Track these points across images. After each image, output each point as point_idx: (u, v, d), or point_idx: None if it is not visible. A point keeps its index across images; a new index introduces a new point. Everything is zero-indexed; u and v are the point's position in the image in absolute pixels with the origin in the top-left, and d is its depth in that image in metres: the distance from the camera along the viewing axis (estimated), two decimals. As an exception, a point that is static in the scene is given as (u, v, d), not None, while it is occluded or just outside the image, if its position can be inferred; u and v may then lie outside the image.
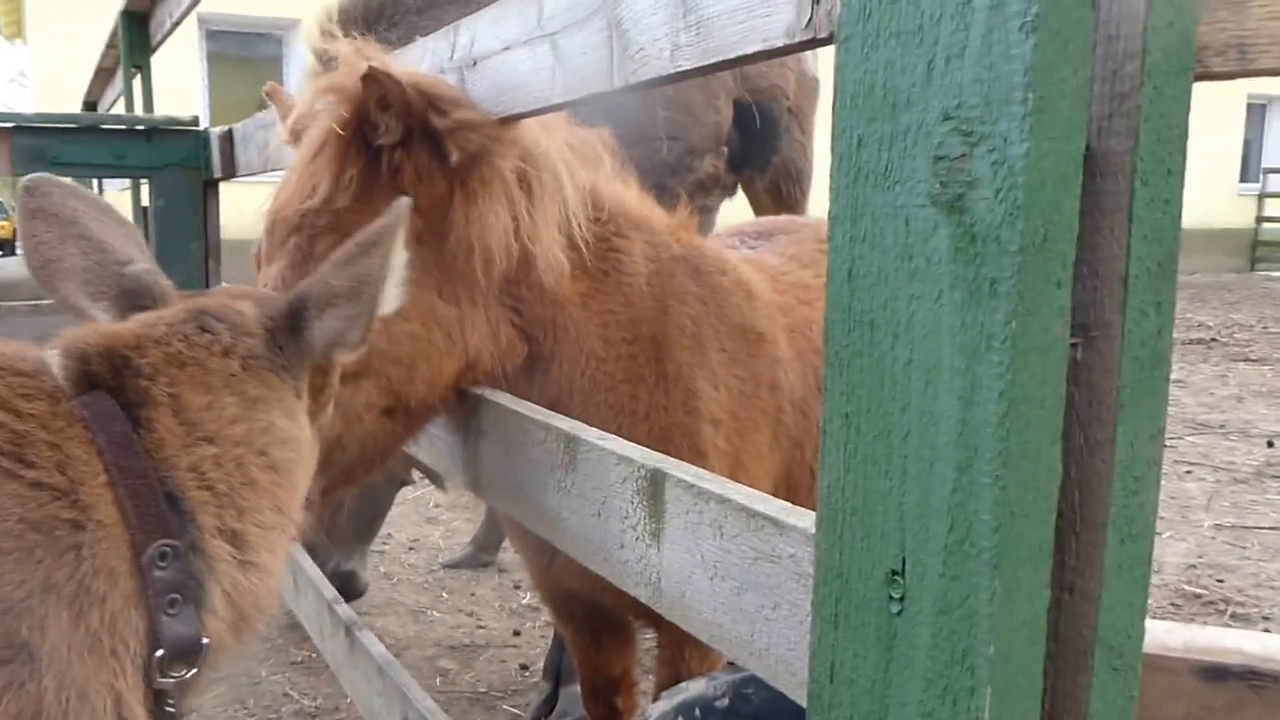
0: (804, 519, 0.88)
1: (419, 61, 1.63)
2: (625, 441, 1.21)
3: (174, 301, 1.09)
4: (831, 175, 0.60)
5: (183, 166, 3.08)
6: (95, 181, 6.98)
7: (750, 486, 1.77)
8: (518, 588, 3.90)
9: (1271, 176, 20.38)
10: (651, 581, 1.11)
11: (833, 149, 0.59)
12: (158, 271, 1.12)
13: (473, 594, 3.86)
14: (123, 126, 3.04)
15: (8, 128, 2.88)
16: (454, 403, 1.59)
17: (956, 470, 0.54)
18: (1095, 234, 0.53)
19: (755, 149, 3.95)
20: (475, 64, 1.46)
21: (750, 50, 0.92)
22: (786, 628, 0.89)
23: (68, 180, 1.16)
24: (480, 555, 4.19)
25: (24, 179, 1.15)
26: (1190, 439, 5.97)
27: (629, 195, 1.81)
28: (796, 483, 1.93)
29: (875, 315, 0.57)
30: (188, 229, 3.12)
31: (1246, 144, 19.98)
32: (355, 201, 1.42)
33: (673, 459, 1.12)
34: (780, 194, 4.13)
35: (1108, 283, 0.54)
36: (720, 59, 0.96)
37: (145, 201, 4.28)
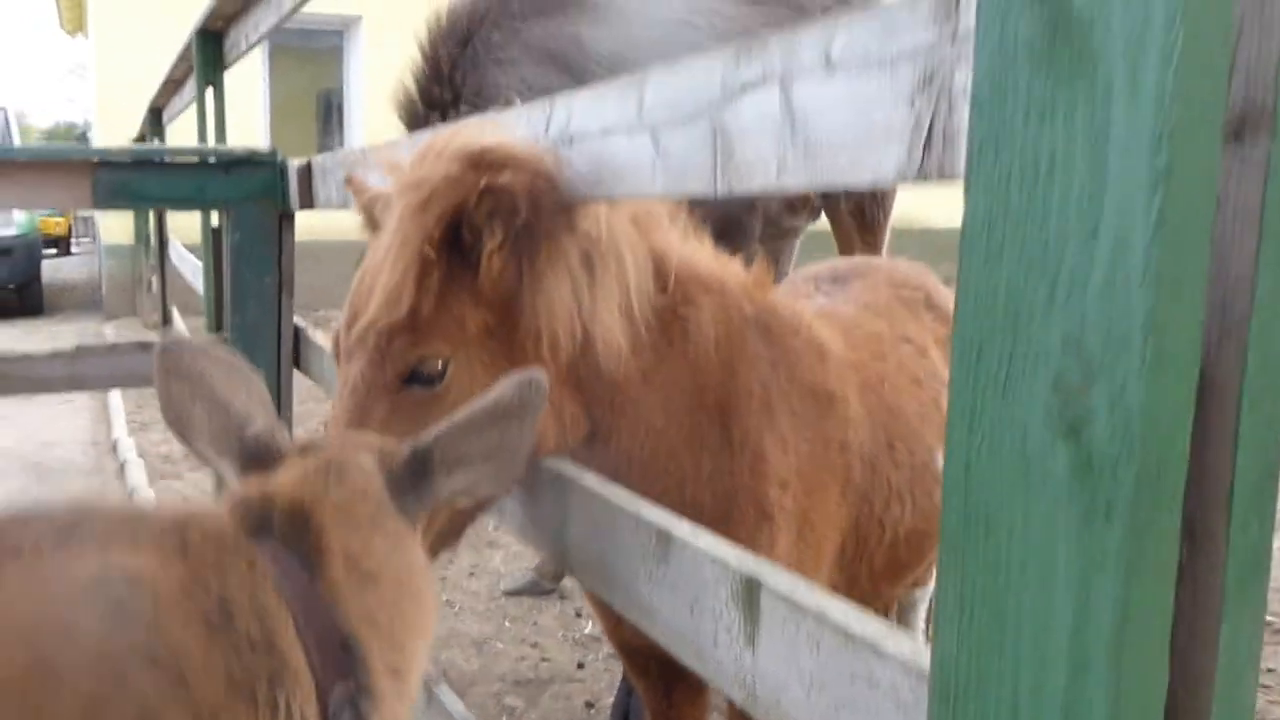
0: (904, 646, 0.94)
1: (514, 128, 1.70)
2: (718, 541, 1.27)
3: (293, 454, 1.20)
4: (951, 374, 0.66)
5: (259, 199, 3.20)
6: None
7: (817, 544, 1.85)
8: (579, 615, 3.99)
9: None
10: (746, 685, 1.18)
11: (953, 348, 0.65)
12: (276, 426, 1.24)
13: (535, 623, 3.96)
14: (202, 160, 3.16)
15: (91, 162, 3.01)
16: (531, 478, 1.68)
17: (1070, 669, 0.60)
18: (1204, 453, 0.59)
19: None
20: (572, 142, 1.53)
21: (861, 181, 0.98)
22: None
23: (199, 341, 1.31)
24: (542, 583, 4.29)
25: (160, 342, 1.29)
26: None
27: (701, 256, 1.87)
28: (865, 534, 2.00)
29: (991, 513, 0.63)
30: (262, 262, 3.23)
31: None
32: (436, 306, 1.51)
33: (767, 564, 1.18)
34: (864, 215, 4.23)
35: (1214, 498, 0.59)
36: (829, 181, 1.03)
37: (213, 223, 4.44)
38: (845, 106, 0.97)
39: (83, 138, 22.91)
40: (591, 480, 1.57)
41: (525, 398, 1.23)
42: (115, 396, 7.63)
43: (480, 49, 3.53)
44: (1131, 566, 0.56)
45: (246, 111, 12.10)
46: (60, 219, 21.30)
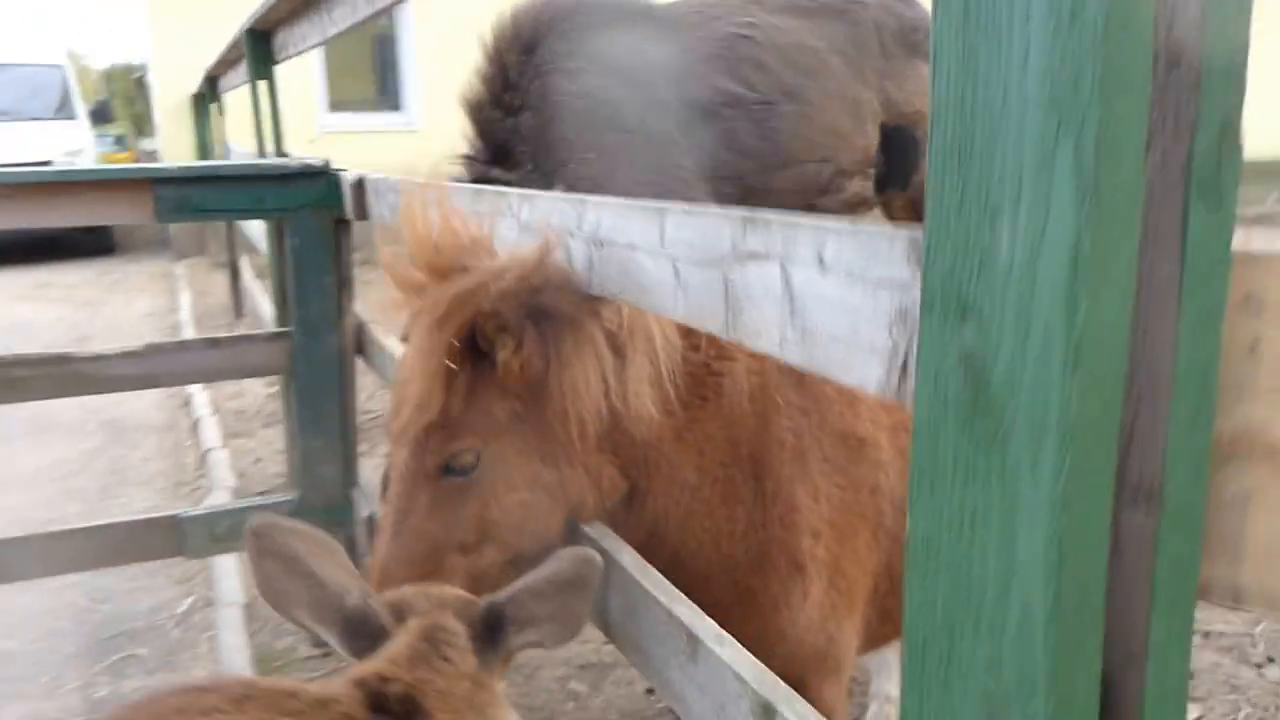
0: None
1: (549, 214, 1.81)
2: (739, 653, 1.40)
3: (389, 620, 1.38)
4: (903, 659, 0.77)
5: (316, 207, 3.34)
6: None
7: (849, 589, 1.97)
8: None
9: None
10: (763, 790, 1.32)
11: (904, 641, 0.77)
12: (369, 594, 1.40)
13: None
14: (260, 173, 3.30)
15: (150, 179, 3.16)
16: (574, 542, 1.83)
17: None
18: None
19: (896, 170, 4.12)
20: (602, 245, 1.64)
21: (851, 380, 1.08)
22: None
23: (288, 523, 1.43)
24: None
25: (251, 524, 1.43)
26: None
27: None
28: (897, 574, 2.10)
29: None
30: (321, 264, 3.39)
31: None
32: (464, 403, 1.69)
33: (784, 690, 1.31)
34: (918, 212, 4.28)
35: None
36: (825, 371, 1.13)
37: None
38: (838, 309, 1.07)
39: (140, 81, 23.10)
40: (629, 560, 1.70)
41: (583, 574, 1.41)
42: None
43: (546, 57, 3.62)
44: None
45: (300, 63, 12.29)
46: (124, 154, 21.65)
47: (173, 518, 3.43)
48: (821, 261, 1.09)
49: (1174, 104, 0.67)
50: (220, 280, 10.41)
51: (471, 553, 1.74)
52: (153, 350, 3.41)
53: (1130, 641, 0.76)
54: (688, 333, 1.85)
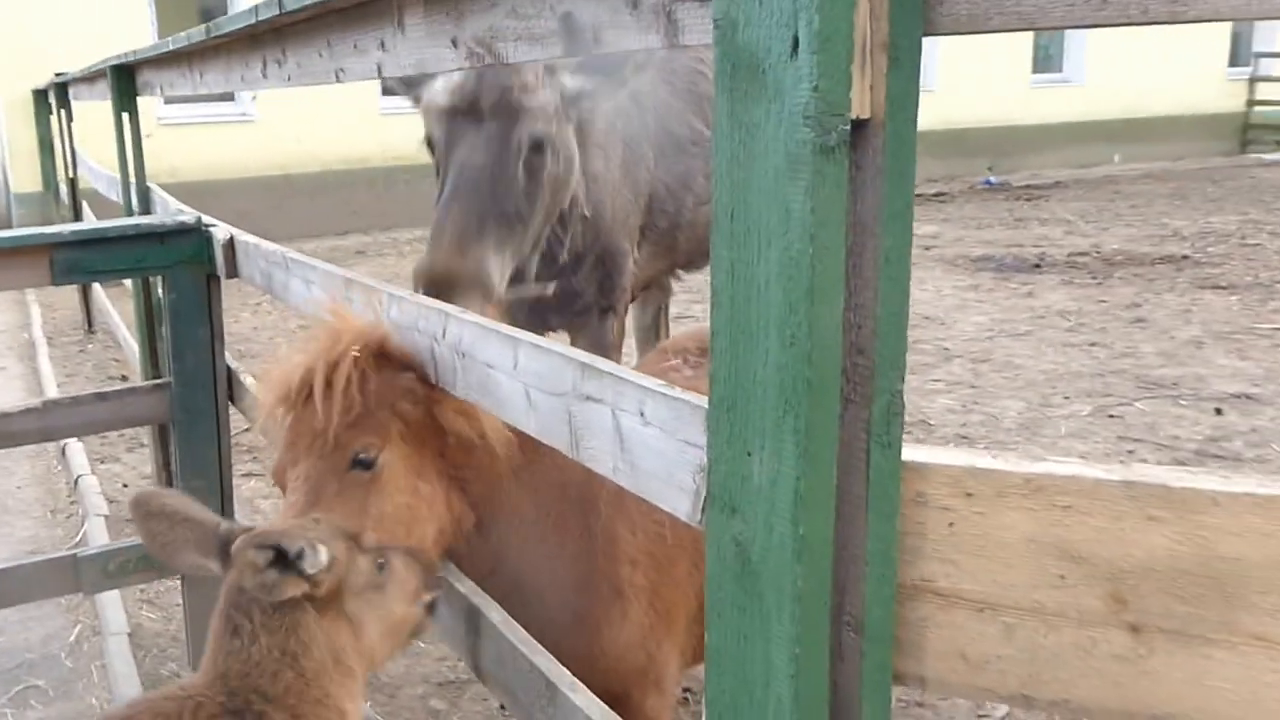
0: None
1: (415, 319, 2.09)
2: (591, 698, 1.73)
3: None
4: None
5: (191, 264, 3.53)
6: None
7: (667, 611, 2.32)
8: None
9: (1262, 61, 20.75)
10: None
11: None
12: (233, 522, 1.74)
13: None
14: (141, 233, 3.48)
15: (49, 244, 3.31)
16: (453, 592, 2.12)
17: None
18: None
19: None
20: (464, 356, 1.92)
21: (666, 508, 1.40)
22: None
23: (157, 489, 1.78)
24: None
25: (132, 496, 1.77)
26: (1140, 404, 6.42)
27: None
28: None
29: None
30: (196, 318, 3.58)
31: (1235, 29, 20.21)
32: (366, 406, 2.04)
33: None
34: None
35: None
36: (648, 496, 1.45)
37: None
38: (655, 453, 1.38)
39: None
40: (497, 616, 2.01)
41: None
42: (45, 365, 7.83)
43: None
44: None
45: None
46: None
47: (72, 557, 3.61)
48: (643, 414, 1.40)
49: (859, 383, 1.01)
50: (68, 292, 10.23)
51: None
52: (49, 407, 3.57)
53: (848, 716, 1.11)
54: None
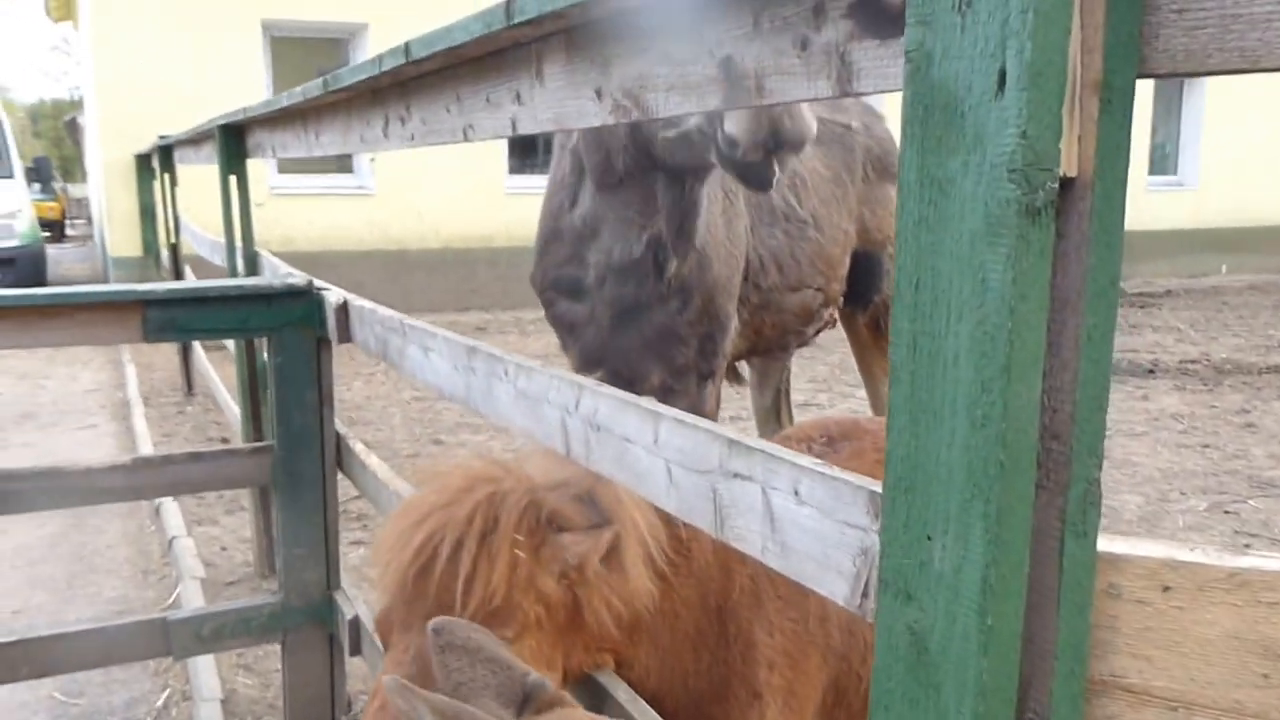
0: None
1: (546, 389, 2.11)
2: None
3: (567, 699, 1.52)
4: None
5: (300, 327, 3.62)
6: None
7: (800, 708, 2.27)
8: None
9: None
10: None
11: None
12: (544, 679, 1.53)
13: None
14: (246, 294, 3.58)
15: (140, 301, 3.41)
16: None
17: None
18: None
19: (861, 291, 4.47)
20: (599, 429, 1.94)
21: (821, 591, 1.40)
22: None
23: (461, 620, 1.59)
24: None
25: (432, 623, 1.57)
26: (1253, 502, 6.45)
27: None
28: (844, 687, 2.39)
29: None
30: (304, 381, 3.66)
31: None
32: (505, 596, 1.91)
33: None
34: (879, 327, 4.66)
35: None
36: (797, 578, 1.44)
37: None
38: (811, 534, 1.37)
39: (73, 123, 22.99)
40: (623, 694, 2.01)
41: None
42: (140, 422, 8.05)
43: None
44: None
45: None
46: (53, 202, 21.57)
47: (162, 620, 3.67)
48: (797, 494, 1.40)
49: (1054, 469, 1.00)
50: (167, 352, 10.54)
51: None
52: (140, 464, 3.64)
53: (1032, 824, 1.08)
54: (656, 508, 2.12)
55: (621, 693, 2.02)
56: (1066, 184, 0.94)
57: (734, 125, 2.85)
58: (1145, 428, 8.58)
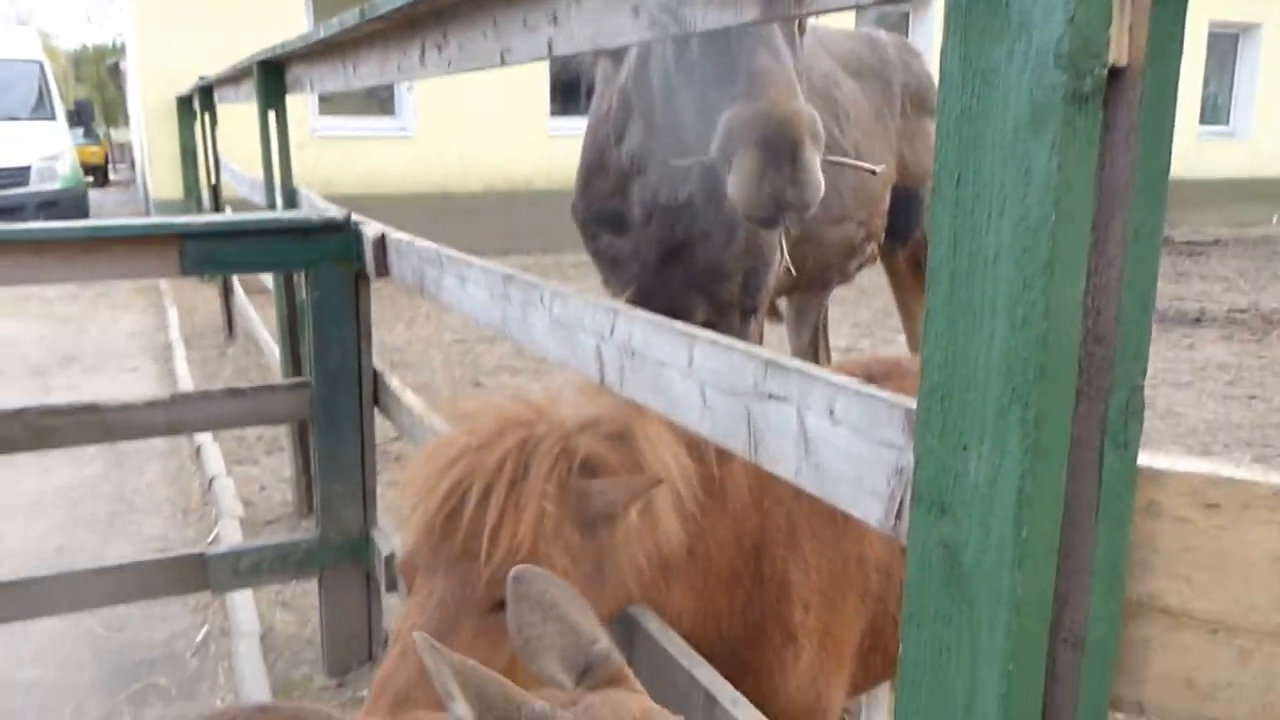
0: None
1: (581, 315, 2.09)
2: (753, 713, 1.70)
3: (627, 674, 1.43)
4: None
5: (337, 261, 3.62)
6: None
7: (837, 650, 2.25)
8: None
9: None
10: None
11: None
12: (613, 648, 1.45)
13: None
14: (283, 227, 3.58)
15: (178, 234, 3.43)
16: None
17: None
18: None
19: (900, 226, 4.42)
20: (634, 355, 1.92)
21: (854, 514, 1.38)
22: None
23: (545, 572, 1.51)
24: None
25: (514, 570, 1.51)
26: None
27: None
28: (881, 630, 2.35)
29: None
30: (341, 317, 3.67)
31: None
32: (533, 546, 1.86)
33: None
34: (918, 264, 4.61)
35: None
36: (830, 501, 1.42)
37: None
38: (845, 455, 1.35)
39: (115, 68, 23.09)
40: (653, 625, 2.00)
41: None
42: (181, 365, 8.13)
43: None
44: None
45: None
46: (96, 147, 21.73)
47: (200, 556, 3.71)
48: (831, 414, 1.38)
49: (1096, 374, 0.97)
50: (208, 295, 10.64)
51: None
52: (178, 400, 3.67)
53: (1064, 743, 1.06)
54: (690, 444, 2.06)
55: (652, 623, 2.01)
56: (1116, 73, 0.91)
57: (735, 192, 2.78)
58: (1190, 378, 8.44)
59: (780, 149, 2.65)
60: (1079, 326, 0.95)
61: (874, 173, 3.49)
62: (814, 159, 2.69)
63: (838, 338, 8.70)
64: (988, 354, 0.97)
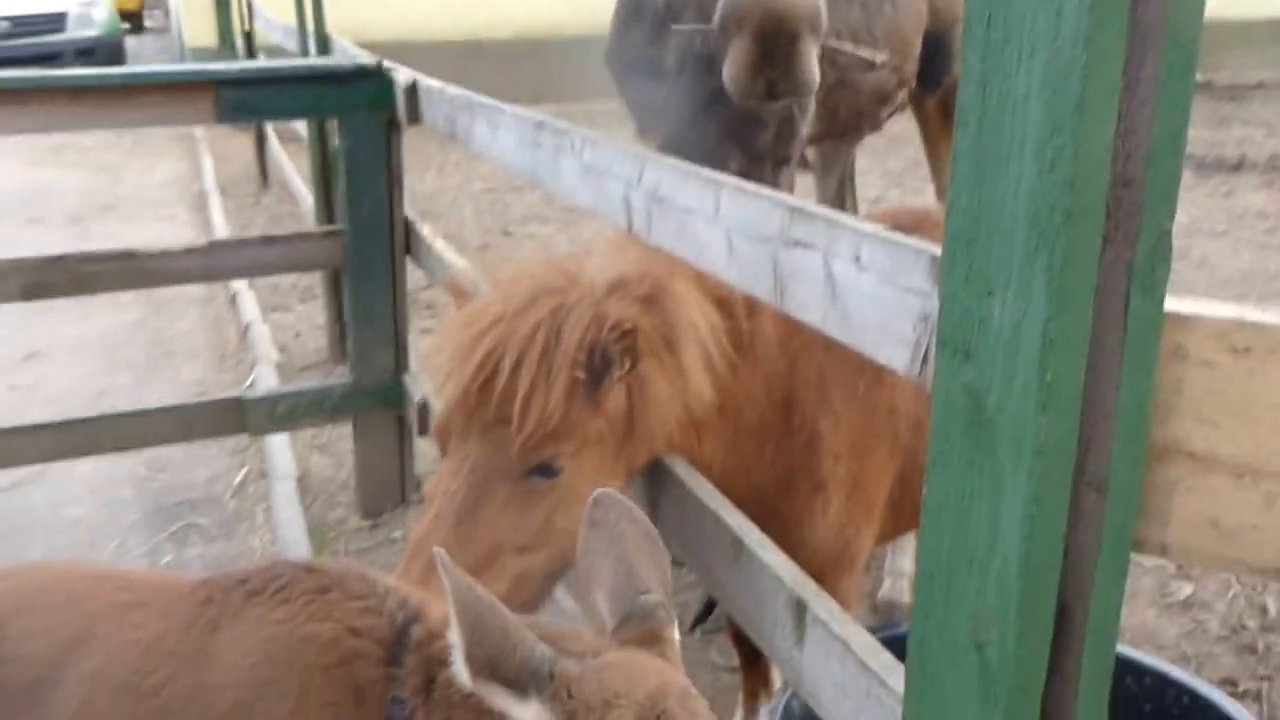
0: (900, 681, 1.40)
1: (610, 162, 2.07)
2: (779, 556, 1.73)
3: (665, 637, 1.36)
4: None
5: (370, 108, 3.59)
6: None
7: (868, 500, 2.28)
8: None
9: None
10: (795, 672, 1.66)
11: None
12: (665, 604, 1.39)
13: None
14: (316, 74, 3.54)
15: (213, 81, 3.40)
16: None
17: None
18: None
19: (929, 73, 4.32)
20: (661, 203, 1.91)
21: (880, 360, 1.37)
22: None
23: (628, 503, 1.49)
24: None
25: (597, 493, 1.50)
26: None
27: None
28: (910, 480, 2.36)
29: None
30: (374, 165, 3.65)
31: None
32: (565, 413, 1.86)
33: (814, 588, 1.64)
34: (947, 111, 4.52)
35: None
36: (857, 347, 1.42)
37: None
38: (871, 302, 1.34)
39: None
40: (681, 469, 2.03)
41: None
42: (217, 214, 8.15)
43: None
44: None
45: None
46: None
47: (238, 399, 3.78)
48: (858, 260, 1.37)
49: (1124, 218, 0.96)
50: (243, 143, 10.57)
51: (525, 555, 1.89)
52: (214, 247, 3.69)
53: (1080, 582, 1.07)
54: (720, 300, 2.06)
55: (679, 468, 2.03)
56: (1150, -93, 0.87)
57: (728, 79, 2.79)
58: (1227, 226, 8.08)
59: (775, 43, 2.61)
60: (1108, 169, 0.93)
61: (873, 65, 3.41)
62: (809, 51, 2.66)
63: (866, 188, 8.56)
64: (1014, 198, 0.95)
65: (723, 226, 1.69)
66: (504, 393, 1.87)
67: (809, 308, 1.49)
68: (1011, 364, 0.98)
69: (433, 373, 2.05)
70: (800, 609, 1.63)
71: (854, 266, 1.38)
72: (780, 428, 2.18)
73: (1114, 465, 1.03)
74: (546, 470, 1.87)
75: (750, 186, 1.64)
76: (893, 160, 10.35)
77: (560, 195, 2.31)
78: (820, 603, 1.61)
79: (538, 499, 1.88)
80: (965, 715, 1.10)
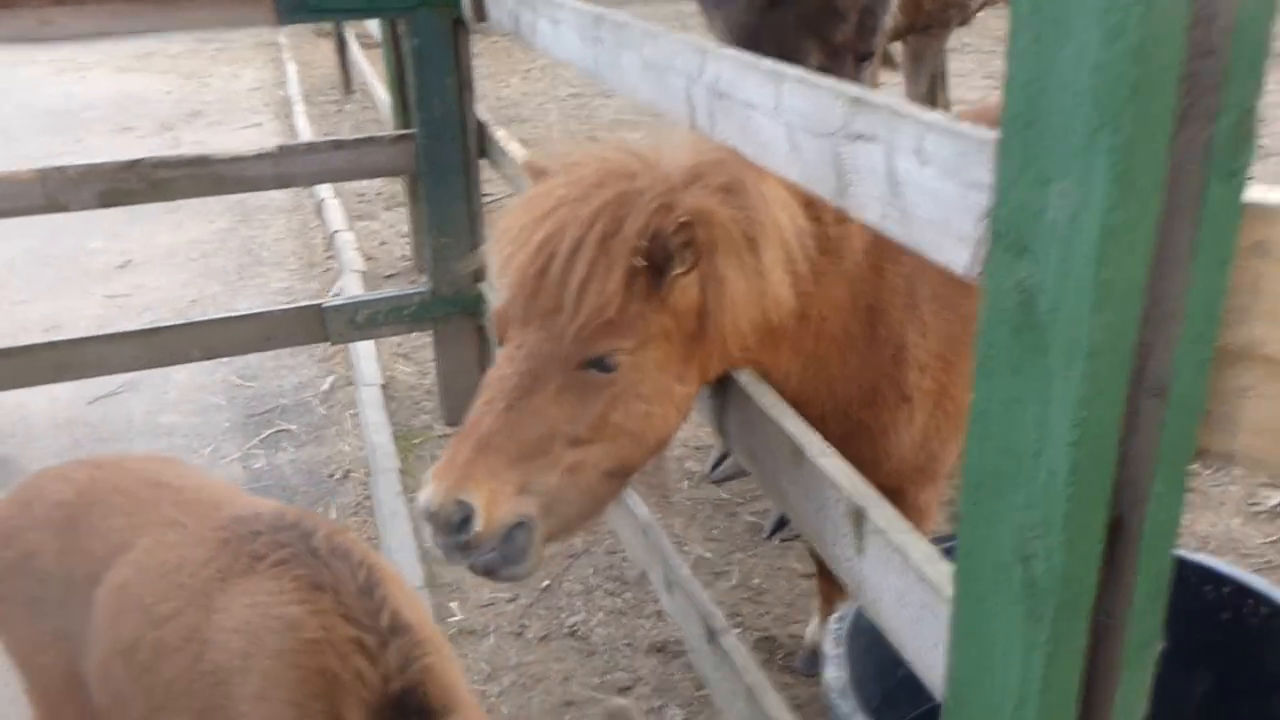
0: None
1: (671, 56, 1.98)
2: (839, 463, 1.66)
3: None
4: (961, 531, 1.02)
5: (433, 6, 3.51)
6: None
7: (956, 412, 2.19)
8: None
9: None
10: (855, 581, 1.60)
11: (962, 485, 1.01)
12: None
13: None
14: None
15: (274, -20, 3.35)
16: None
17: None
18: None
19: None
20: (722, 98, 1.82)
21: (940, 259, 1.29)
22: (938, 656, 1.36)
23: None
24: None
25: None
26: None
27: None
28: None
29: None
30: (442, 65, 3.59)
31: None
32: (623, 305, 1.77)
33: (874, 495, 1.57)
34: None
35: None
36: (916, 247, 1.34)
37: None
38: (933, 198, 1.26)
39: None
40: (744, 378, 1.96)
41: None
42: (301, 120, 8.17)
43: None
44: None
45: None
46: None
47: (318, 307, 3.79)
48: (919, 153, 1.28)
49: (1202, 94, 0.86)
50: (326, 50, 10.57)
51: (579, 448, 1.79)
52: (285, 152, 3.67)
53: (1137, 492, 1.00)
54: (807, 203, 1.94)
55: (742, 376, 1.97)
56: None
57: None
58: None
59: None
60: (1183, 37, 0.84)
61: None
62: None
63: (968, 90, 8.30)
64: (1076, 72, 0.86)
65: (784, 121, 1.61)
66: (560, 278, 1.78)
67: (869, 205, 1.41)
68: (1066, 260, 0.90)
69: (493, 258, 1.97)
70: (859, 517, 1.56)
71: (915, 160, 1.29)
72: (865, 338, 2.08)
73: (1177, 369, 0.94)
74: (602, 365, 1.78)
75: (811, 77, 1.55)
76: (998, 61, 9.97)
77: (622, 91, 2.23)
78: (880, 511, 1.55)
79: (593, 393, 1.79)
80: (1011, 631, 1.04)
